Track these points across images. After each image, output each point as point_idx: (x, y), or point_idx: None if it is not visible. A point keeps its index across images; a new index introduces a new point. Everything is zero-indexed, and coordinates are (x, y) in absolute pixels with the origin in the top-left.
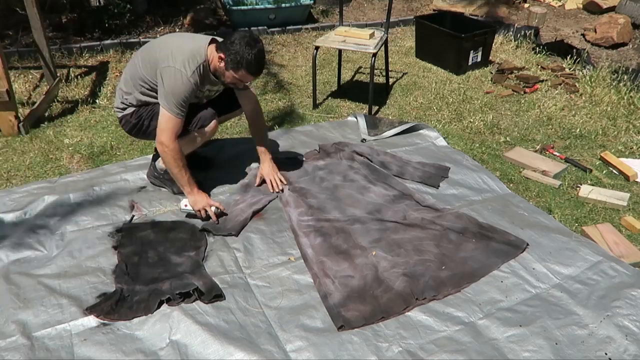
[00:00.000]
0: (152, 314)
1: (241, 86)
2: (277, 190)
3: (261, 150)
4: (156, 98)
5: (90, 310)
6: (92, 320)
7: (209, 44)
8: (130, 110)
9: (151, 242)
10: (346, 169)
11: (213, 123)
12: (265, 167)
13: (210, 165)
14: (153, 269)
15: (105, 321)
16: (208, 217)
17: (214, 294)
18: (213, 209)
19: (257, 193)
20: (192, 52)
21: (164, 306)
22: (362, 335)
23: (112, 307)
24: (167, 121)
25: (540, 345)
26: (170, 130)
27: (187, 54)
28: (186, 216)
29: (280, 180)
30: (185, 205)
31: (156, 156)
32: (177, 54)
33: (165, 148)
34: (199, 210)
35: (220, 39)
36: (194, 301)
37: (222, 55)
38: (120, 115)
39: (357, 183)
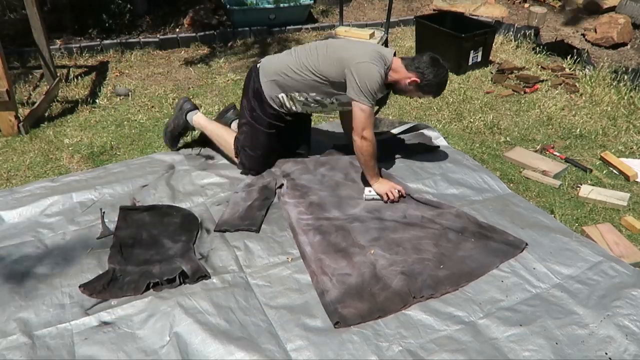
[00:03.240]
0: (140, 294)
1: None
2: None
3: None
4: (311, 92)
5: (83, 288)
6: (93, 320)
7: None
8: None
9: (146, 224)
10: (348, 166)
11: None
12: (380, 186)
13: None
14: (145, 251)
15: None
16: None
17: (198, 276)
18: (396, 191)
19: (263, 190)
20: (380, 54)
21: (165, 306)
22: (363, 335)
23: (104, 286)
24: (367, 116)
25: (541, 345)
26: (370, 124)
27: (373, 52)
28: (366, 200)
29: (397, 194)
30: (370, 191)
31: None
32: (363, 51)
33: (368, 142)
34: (386, 193)
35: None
36: (178, 285)
37: (417, 80)
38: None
39: (358, 184)
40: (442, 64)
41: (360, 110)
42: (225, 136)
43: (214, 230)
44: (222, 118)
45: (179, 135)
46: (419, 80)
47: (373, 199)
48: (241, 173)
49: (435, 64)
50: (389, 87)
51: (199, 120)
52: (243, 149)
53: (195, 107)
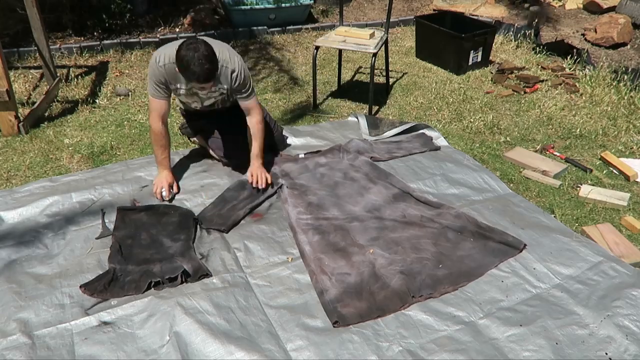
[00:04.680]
0: (142, 293)
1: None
2: (257, 186)
3: (252, 150)
4: None
5: (83, 288)
6: (93, 320)
7: None
8: None
9: (144, 224)
10: (347, 167)
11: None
12: (252, 165)
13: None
14: (145, 251)
15: (98, 299)
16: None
17: (199, 274)
18: (163, 191)
19: (254, 191)
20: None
21: (165, 305)
22: (363, 335)
23: (105, 286)
24: (149, 103)
25: (541, 345)
26: (151, 111)
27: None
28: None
29: (266, 179)
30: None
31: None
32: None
33: (150, 128)
34: (156, 188)
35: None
36: (180, 284)
37: None
38: None
39: (358, 182)
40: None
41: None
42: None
43: (193, 218)
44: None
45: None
46: None
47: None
48: (224, 164)
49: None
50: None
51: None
52: (212, 150)
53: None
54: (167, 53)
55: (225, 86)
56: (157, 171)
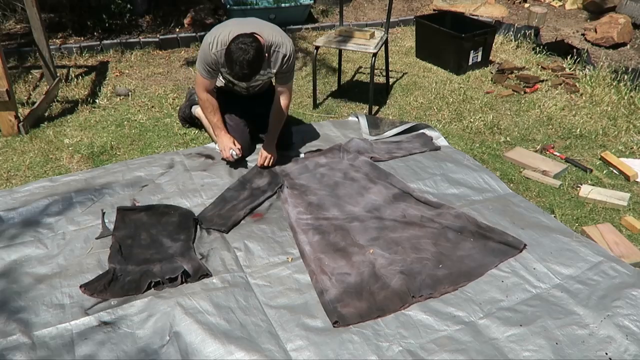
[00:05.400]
0: (142, 293)
1: None
2: (260, 164)
3: (269, 131)
4: None
5: (83, 288)
6: (93, 320)
7: None
8: None
9: (144, 224)
10: (347, 167)
11: None
12: (266, 147)
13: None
14: (145, 250)
15: (97, 299)
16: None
17: (200, 275)
18: (229, 151)
19: (254, 191)
20: (225, 32)
21: (165, 305)
22: (363, 335)
23: (105, 286)
24: (198, 82)
25: (541, 345)
26: (199, 88)
27: (227, 30)
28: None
29: (271, 161)
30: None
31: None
32: (223, 29)
33: (199, 100)
34: (222, 151)
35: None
36: (180, 284)
37: None
38: None
39: (358, 182)
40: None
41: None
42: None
43: (193, 219)
44: (189, 98)
45: (189, 119)
46: None
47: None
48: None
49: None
50: None
51: (198, 111)
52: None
53: None
54: (220, 40)
55: (274, 70)
56: (215, 139)
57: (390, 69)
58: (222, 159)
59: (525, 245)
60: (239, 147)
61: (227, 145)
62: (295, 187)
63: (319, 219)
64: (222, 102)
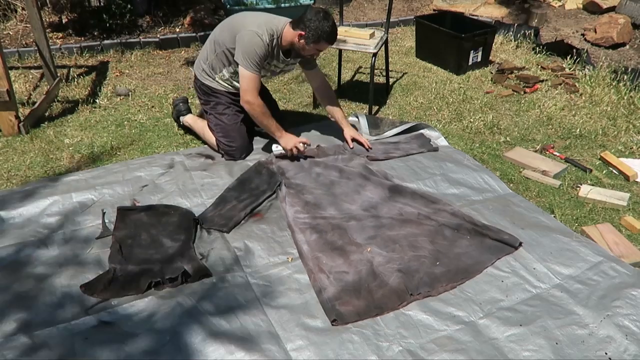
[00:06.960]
0: (142, 293)
1: (317, 56)
2: (368, 147)
3: (339, 116)
4: (224, 63)
5: (84, 288)
6: (93, 320)
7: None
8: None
9: (145, 224)
10: (342, 165)
11: None
12: (350, 130)
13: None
14: (145, 250)
15: (98, 299)
16: (297, 158)
17: (200, 275)
18: (300, 145)
19: (253, 191)
20: (268, 23)
21: (165, 305)
22: (363, 335)
23: (105, 285)
24: (248, 81)
25: (541, 345)
26: (253, 89)
27: (262, 22)
28: (276, 157)
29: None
30: (277, 147)
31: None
32: (254, 21)
33: (252, 105)
34: (291, 149)
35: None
36: (180, 284)
37: (302, 33)
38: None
39: (354, 181)
40: (327, 13)
41: (243, 76)
42: (207, 134)
43: (193, 219)
44: (175, 108)
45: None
46: (303, 32)
47: (281, 154)
48: (227, 159)
49: (317, 14)
50: (290, 54)
51: (187, 120)
52: (218, 139)
53: (188, 110)
54: (265, 31)
55: (299, 58)
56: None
57: (390, 69)
58: (287, 156)
59: (521, 242)
60: (304, 139)
61: (296, 140)
62: (292, 186)
63: (316, 218)
64: (216, 103)
